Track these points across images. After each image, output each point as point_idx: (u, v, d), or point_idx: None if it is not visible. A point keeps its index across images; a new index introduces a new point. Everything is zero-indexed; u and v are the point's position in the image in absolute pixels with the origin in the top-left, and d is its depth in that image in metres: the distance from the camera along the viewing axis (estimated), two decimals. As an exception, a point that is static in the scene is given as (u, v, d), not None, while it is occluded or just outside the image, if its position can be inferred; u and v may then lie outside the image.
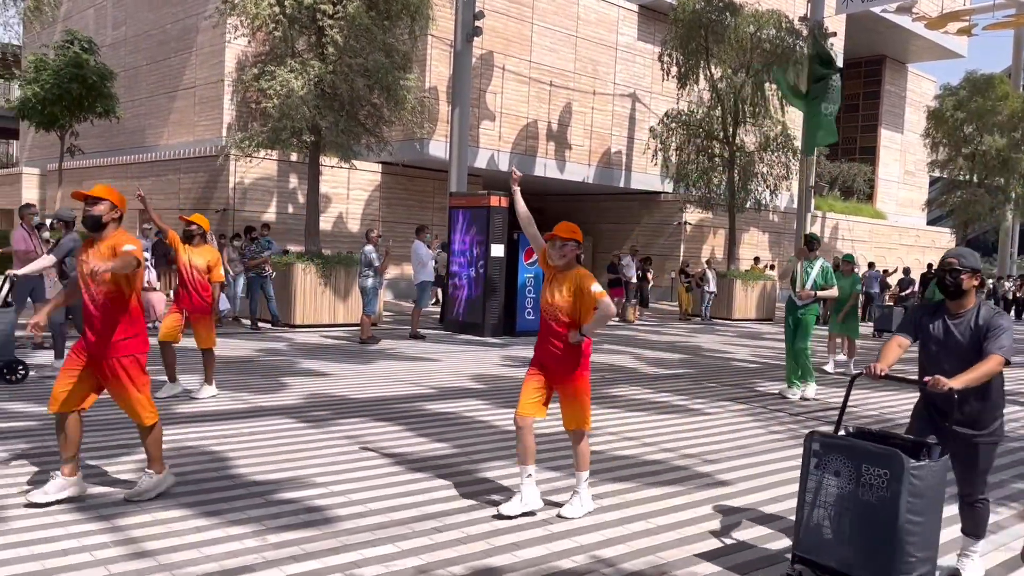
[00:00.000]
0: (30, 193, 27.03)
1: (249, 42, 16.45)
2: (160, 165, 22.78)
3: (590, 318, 4.66)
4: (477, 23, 17.52)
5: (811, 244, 9.58)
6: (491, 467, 5.75)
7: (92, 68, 18.40)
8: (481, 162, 22.45)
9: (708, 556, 4.27)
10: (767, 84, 21.77)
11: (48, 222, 13.89)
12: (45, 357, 9.51)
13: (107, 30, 26.47)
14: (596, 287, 4.65)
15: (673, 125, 22.59)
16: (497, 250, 14.50)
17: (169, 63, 24.05)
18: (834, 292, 9.47)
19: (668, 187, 24.82)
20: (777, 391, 9.71)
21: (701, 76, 22.05)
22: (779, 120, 22.49)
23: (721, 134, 22.40)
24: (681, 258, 26.05)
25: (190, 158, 21.57)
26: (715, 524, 4.78)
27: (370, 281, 12.67)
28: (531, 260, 14.79)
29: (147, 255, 14.26)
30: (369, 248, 12.71)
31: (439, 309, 16.34)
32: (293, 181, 20.99)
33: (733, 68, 21.68)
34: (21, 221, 10.26)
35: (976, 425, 3.83)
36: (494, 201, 14.57)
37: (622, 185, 26.47)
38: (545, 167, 24.13)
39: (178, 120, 23.90)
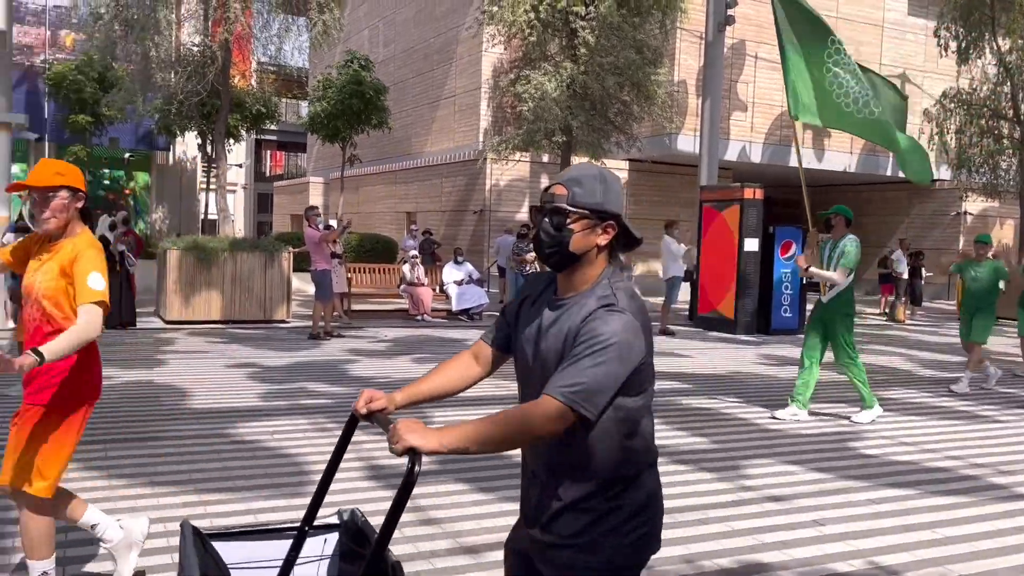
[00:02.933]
0: (316, 199, 30.32)
1: (505, 49, 17.27)
2: (424, 171, 24.58)
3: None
4: (730, 12, 17.04)
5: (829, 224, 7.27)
6: (753, 464, 5.61)
7: (369, 84, 20.27)
8: (732, 154, 21.81)
9: (1012, 574, 3.87)
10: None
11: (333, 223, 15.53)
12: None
13: (379, 48, 29.00)
14: (95, 279, 2.86)
15: (952, 106, 20.49)
16: (751, 244, 14.02)
17: (432, 75, 25.86)
18: (832, 276, 6.91)
19: (945, 174, 22.57)
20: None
21: (986, 49, 19.80)
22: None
23: (1010, 112, 19.97)
24: (960, 252, 23.56)
25: (450, 163, 23.06)
26: (1018, 540, 4.31)
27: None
28: (788, 255, 14.14)
29: (415, 252, 15.48)
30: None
31: (688, 306, 16.12)
32: (544, 181, 21.70)
33: (1025, 37, 19.22)
34: (307, 222, 11.60)
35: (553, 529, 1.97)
36: (747, 194, 14.11)
37: (888, 174, 24.45)
38: (801, 157, 22.90)
39: (440, 128, 25.62)
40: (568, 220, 1.92)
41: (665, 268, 14.01)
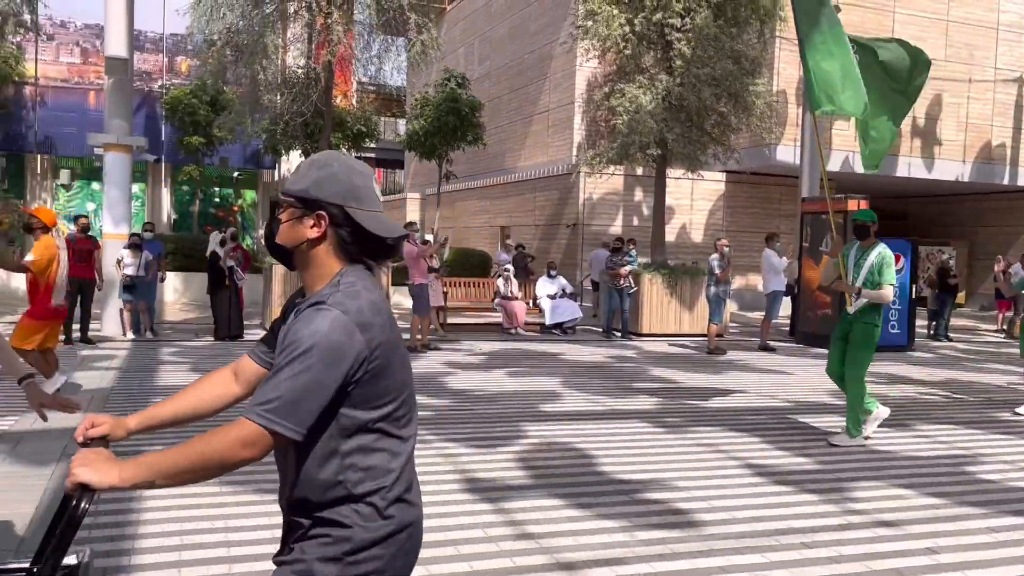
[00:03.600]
0: (413, 215, 30.95)
1: (599, 63, 17.25)
2: (518, 185, 24.77)
3: None
4: (831, 18, 16.53)
5: (861, 230, 6.75)
6: (861, 487, 5.39)
7: (465, 101, 20.60)
8: (835, 165, 21.10)
9: None
10: None
11: (429, 237, 15.81)
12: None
13: (475, 65, 29.46)
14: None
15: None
16: (856, 258, 13.49)
17: (526, 91, 26.07)
18: (886, 295, 6.43)
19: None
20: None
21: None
22: None
23: None
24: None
25: (544, 177, 23.15)
26: None
27: (712, 289, 12.58)
28: (897, 267, 13.54)
29: (509, 267, 15.60)
30: (713, 256, 12.63)
31: (789, 321, 15.65)
32: (638, 194, 21.53)
33: None
34: (406, 238, 11.86)
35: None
36: (852, 205, 13.62)
37: (1006, 182, 23.16)
38: (909, 167, 21.97)
39: (533, 143, 25.79)
40: (279, 210, 1.75)
41: (766, 282, 13.66)
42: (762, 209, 22.59)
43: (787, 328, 15.82)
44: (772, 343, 13.54)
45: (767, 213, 22.59)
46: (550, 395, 8.42)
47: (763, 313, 13.85)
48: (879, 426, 6.94)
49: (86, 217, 11.72)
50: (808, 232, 14.62)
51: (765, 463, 5.91)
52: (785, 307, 15.30)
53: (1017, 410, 8.13)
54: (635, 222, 21.65)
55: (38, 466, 5.25)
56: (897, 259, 13.59)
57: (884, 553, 4.19)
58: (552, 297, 14.84)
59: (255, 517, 4.39)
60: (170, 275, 17.85)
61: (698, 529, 4.47)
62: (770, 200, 22.63)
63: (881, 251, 6.53)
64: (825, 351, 13.27)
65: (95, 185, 23.35)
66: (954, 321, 17.40)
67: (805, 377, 10.34)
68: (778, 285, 13.49)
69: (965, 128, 22.52)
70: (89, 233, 11.40)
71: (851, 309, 6.54)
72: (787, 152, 20.34)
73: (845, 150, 21.30)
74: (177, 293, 19.06)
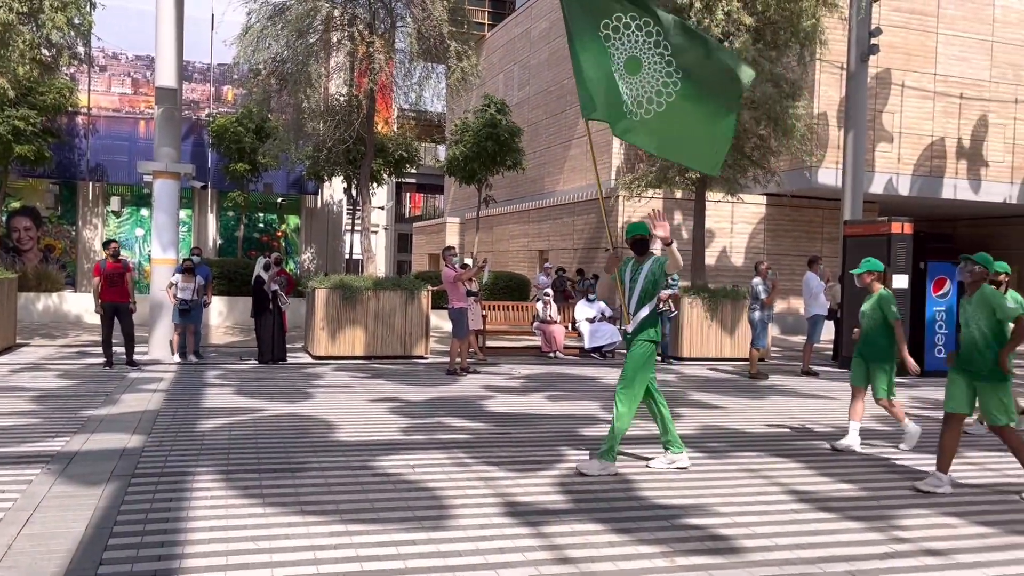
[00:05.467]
0: (452, 239, 31.19)
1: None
2: (556, 209, 24.84)
3: None
4: (874, 40, 16.42)
5: (637, 244, 6.42)
6: (907, 514, 5.29)
7: (504, 127, 20.80)
8: (877, 187, 20.84)
9: None
10: None
11: (468, 261, 15.92)
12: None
13: (514, 91, 29.73)
14: None
15: None
16: (900, 281, 13.30)
17: (565, 115, 26.22)
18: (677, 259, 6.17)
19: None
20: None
21: None
22: None
23: None
24: None
25: (582, 201, 23.20)
26: None
27: (757, 314, 12.48)
28: (941, 291, 13.32)
29: (548, 291, 15.62)
30: (756, 280, 12.54)
31: (832, 345, 15.42)
32: (678, 217, 21.45)
33: None
34: (444, 261, 11.97)
35: None
36: (895, 228, 13.44)
37: (1057, 204, 22.63)
38: (955, 188, 21.60)
39: (571, 167, 25.88)
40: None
41: (807, 306, 13.50)
42: (804, 232, 22.36)
43: (830, 352, 15.58)
44: (814, 368, 13.34)
45: (809, 236, 22.35)
46: (589, 419, 8.41)
47: (805, 337, 13.68)
48: (915, 451, 6.78)
49: (116, 242, 12.04)
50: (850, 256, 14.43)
51: (808, 489, 5.83)
52: (828, 331, 15.07)
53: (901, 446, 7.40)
54: (674, 245, 21.54)
55: (89, 486, 5.40)
56: (943, 282, 13.39)
57: (931, 583, 4.11)
58: (591, 321, 14.83)
59: (298, 538, 4.46)
60: (215, 299, 18.20)
61: (739, 556, 4.42)
62: (812, 223, 22.39)
63: (654, 259, 6.33)
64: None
65: (144, 211, 23.97)
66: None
67: (848, 402, 10.15)
68: (819, 309, 13.32)
69: (1012, 149, 22.10)
70: (120, 257, 11.70)
71: (628, 328, 6.26)
72: (828, 175, 20.14)
73: (888, 172, 21.03)
74: (221, 316, 19.41)
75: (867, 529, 4.95)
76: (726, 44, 14.48)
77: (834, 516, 5.20)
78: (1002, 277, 7.48)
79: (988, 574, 4.25)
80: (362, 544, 4.38)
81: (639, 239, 6.44)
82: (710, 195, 17.64)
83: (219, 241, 25.39)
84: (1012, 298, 7.32)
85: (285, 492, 5.36)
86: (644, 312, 6.21)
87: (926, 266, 13.37)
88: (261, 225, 26.13)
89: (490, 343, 15.07)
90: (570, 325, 15.21)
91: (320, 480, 5.68)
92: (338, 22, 15.72)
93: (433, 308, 16.67)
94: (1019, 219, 25.14)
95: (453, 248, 12.48)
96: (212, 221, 25.28)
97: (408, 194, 46.38)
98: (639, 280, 6.27)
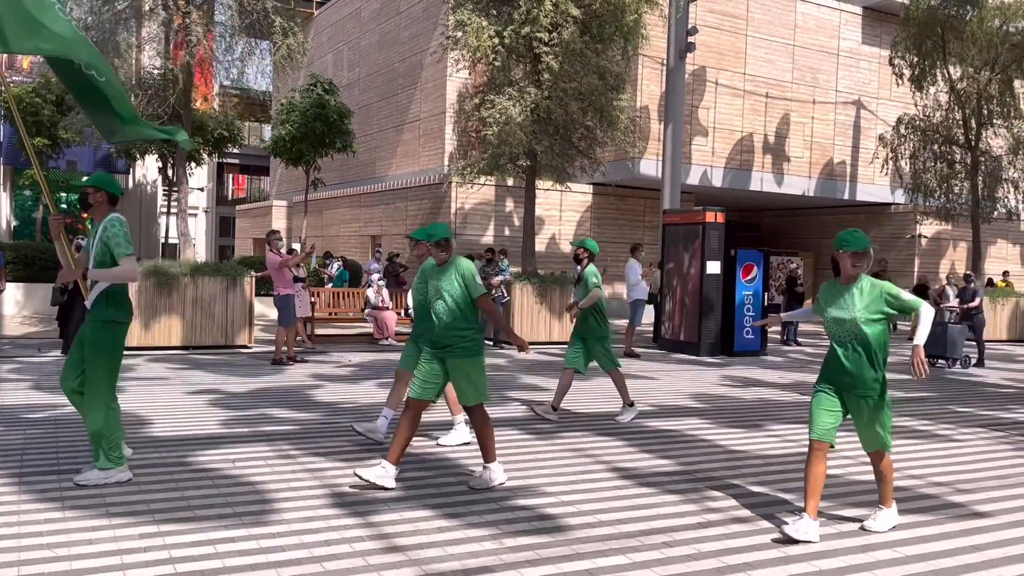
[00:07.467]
0: (279, 223, 30.07)
1: (469, 74, 17.38)
2: (389, 194, 24.54)
3: None
4: (690, 39, 17.35)
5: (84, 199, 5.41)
6: (717, 486, 5.63)
7: (332, 108, 20.22)
8: (694, 179, 22.13)
9: (968, 592, 3.92)
10: (1016, 81, 19.73)
11: (296, 246, 15.43)
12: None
13: (343, 72, 29.00)
14: None
15: (906, 131, 21.07)
16: (713, 267, 14.19)
17: (397, 99, 25.90)
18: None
19: (900, 198, 23.13)
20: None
21: (938, 77, 20.42)
22: (1031, 119, 20.30)
23: (962, 138, 20.56)
24: (916, 274, 24.07)
25: (415, 187, 23.06)
26: (975, 558, 4.37)
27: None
28: (749, 277, 14.33)
29: (379, 276, 15.40)
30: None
31: (652, 328, 16.24)
32: (509, 205, 21.79)
33: (975, 66, 19.86)
34: (268, 246, 11.46)
35: None
36: (709, 217, 14.30)
37: (846, 197, 24.99)
38: (761, 181, 23.32)
39: (404, 151, 25.63)
40: None
41: (629, 291, 14.11)
42: (628, 221, 23.37)
43: (651, 335, 16.40)
44: (636, 350, 13.98)
45: (632, 224, 23.39)
46: (420, 405, 8.34)
47: (627, 321, 14.30)
48: (728, 427, 7.27)
49: None
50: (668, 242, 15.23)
51: (629, 466, 6.08)
52: (649, 314, 15.86)
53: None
54: (506, 232, 21.88)
55: None
56: (751, 268, 14.40)
57: (735, 549, 4.39)
58: (423, 307, 14.75)
59: (102, 543, 4.11)
60: (9, 286, 16.57)
61: (565, 534, 4.53)
62: (635, 212, 23.44)
63: (108, 222, 5.16)
64: (687, 356, 13.87)
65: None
66: (802, 327, 18.52)
67: (668, 382, 10.73)
68: (640, 294, 13.97)
69: (810, 146, 24.13)
70: None
71: (88, 303, 5.26)
72: (650, 166, 21.14)
73: (703, 164, 22.35)
74: (18, 305, 17.71)
75: (683, 501, 5.22)
76: (555, 35, 14.80)
77: (653, 491, 5.45)
78: (582, 252, 8.27)
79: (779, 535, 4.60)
80: (175, 544, 4.11)
81: (82, 194, 5.43)
82: (540, 183, 18.02)
83: (14, 223, 23.10)
84: (591, 273, 7.99)
85: (89, 495, 4.93)
86: (98, 290, 5.22)
87: (736, 253, 14.33)
88: (64, 207, 24.04)
89: (319, 331, 14.66)
90: (403, 311, 15.07)
91: (130, 479, 5.28)
92: (150, -11, 14.66)
93: (258, 295, 15.99)
94: (814, 211, 27.55)
95: (278, 232, 11.97)
96: (5, 201, 22.96)
97: (231, 175, 44.20)
98: (94, 243, 5.20)
